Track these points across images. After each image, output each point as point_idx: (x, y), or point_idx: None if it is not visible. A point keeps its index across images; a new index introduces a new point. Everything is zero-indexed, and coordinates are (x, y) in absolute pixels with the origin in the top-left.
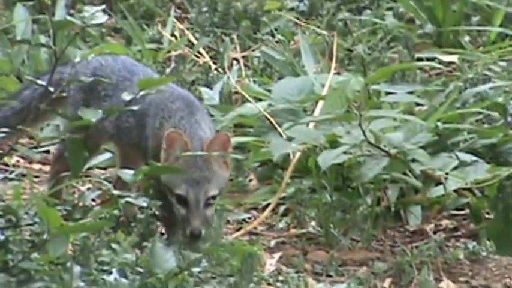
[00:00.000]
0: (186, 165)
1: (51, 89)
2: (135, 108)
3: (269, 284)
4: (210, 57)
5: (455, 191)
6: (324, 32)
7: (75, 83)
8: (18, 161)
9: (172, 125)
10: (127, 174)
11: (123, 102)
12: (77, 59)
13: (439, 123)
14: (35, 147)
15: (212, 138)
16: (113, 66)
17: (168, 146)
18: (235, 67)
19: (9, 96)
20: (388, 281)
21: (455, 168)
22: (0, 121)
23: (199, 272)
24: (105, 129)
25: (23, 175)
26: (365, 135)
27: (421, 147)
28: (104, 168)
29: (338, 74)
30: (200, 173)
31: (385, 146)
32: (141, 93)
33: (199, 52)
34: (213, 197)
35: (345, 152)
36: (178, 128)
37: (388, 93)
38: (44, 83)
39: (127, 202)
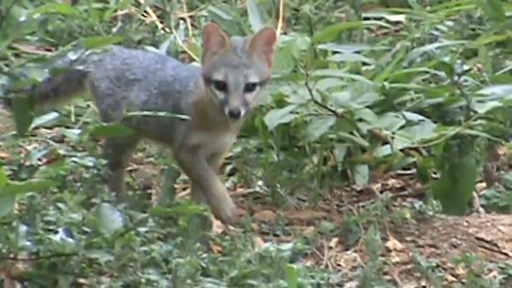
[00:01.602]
0: (226, 54)
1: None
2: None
3: (216, 243)
4: (157, 17)
5: (401, 150)
6: None
7: (101, 73)
8: None
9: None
10: (73, 133)
11: (153, 81)
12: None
13: (385, 83)
14: None
15: (256, 34)
16: (145, 56)
17: (206, 41)
18: (182, 26)
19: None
20: (334, 240)
21: (401, 127)
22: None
23: (146, 232)
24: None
25: None
26: (312, 95)
27: (368, 107)
28: (51, 128)
29: (285, 33)
30: (240, 60)
31: (331, 105)
32: (87, 52)
33: (145, 11)
34: (253, 85)
35: (291, 112)
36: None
37: (334, 53)
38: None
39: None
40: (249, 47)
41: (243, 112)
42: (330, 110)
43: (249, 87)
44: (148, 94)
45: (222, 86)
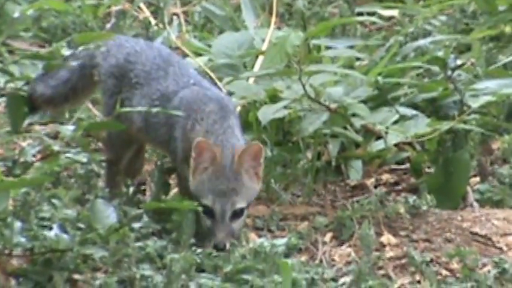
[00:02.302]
0: (215, 175)
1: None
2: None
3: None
4: (151, 13)
5: (395, 145)
6: None
7: (106, 69)
8: None
9: (204, 129)
10: (67, 129)
11: (155, 92)
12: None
13: (379, 78)
14: None
15: (244, 148)
16: (148, 53)
17: (197, 155)
18: (175, 22)
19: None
20: (328, 235)
21: (395, 122)
22: (48, 91)
23: (140, 228)
24: (133, 120)
25: None
26: (305, 90)
27: (362, 102)
28: (45, 124)
29: (278, 28)
30: (228, 184)
31: (325, 100)
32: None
33: (139, 7)
34: (241, 210)
35: (285, 107)
36: (211, 133)
37: (328, 48)
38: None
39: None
40: (237, 165)
41: (228, 245)
42: (323, 105)
43: (237, 214)
44: (150, 103)
45: (209, 211)
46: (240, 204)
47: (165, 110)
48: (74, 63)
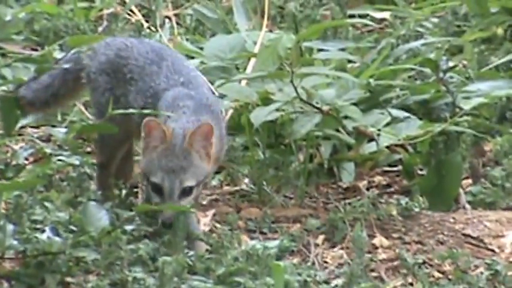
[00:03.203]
0: (164, 153)
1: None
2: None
3: (203, 241)
4: (143, 15)
5: (387, 147)
6: None
7: (96, 66)
8: None
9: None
10: (59, 132)
11: (149, 89)
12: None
13: (371, 80)
14: None
15: (195, 128)
16: (140, 47)
17: (147, 134)
18: (167, 25)
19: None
20: (321, 237)
21: (387, 124)
22: (29, 95)
23: (133, 230)
24: (131, 116)
25: None
26: (297, 92)
27: (354, 104)
28: (37, 127)
29: (270, 31)
30: (177, 162)
31: (317, 102)
32: (73, 51)
33: (131, 10)
34: (190, 188)
35: (277, 109)
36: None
37: (320, 50)
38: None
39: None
40: (187, 144)
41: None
42: (315, 107)
43: (186, 192)
44: (145, 100)
45: (158, 189)
46: (189, 183)
47: (156, 112)
48: (57, 69)
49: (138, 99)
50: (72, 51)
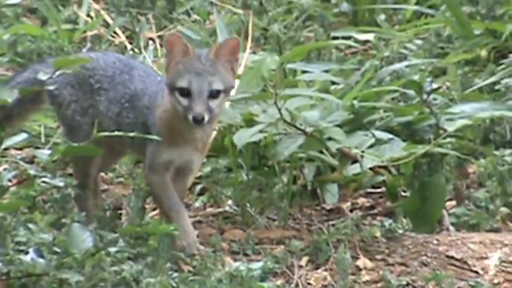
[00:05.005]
0: (190, 62)
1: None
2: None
3: (186, 263)
4: (126, 37)
5: (371, 169)
6: (239, 11)
7: (60, 80)
8: None
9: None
10: (43, 154)
11: (124, 96)
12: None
13: (355, 102)
14: None
15: (221, 43)
16: (106, 58)
17: (169, 51)
18: (151, 47)
19: None
20: (304, 259)
21: (371, 146)
22: None
23: (116, 252)
24: (104, 126)
25: None
26: (281, 114)
27: (337, 126)
28: (20, 149)
29: (254, 53)
30: (203, 67)
31: (301, 124)
32: (58, 72)
33: (115, 32)
34: (217, 91)
35: (261, 131)
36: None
37: (304, 72)
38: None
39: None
40: (213, 55)
41: (206, 118)
42: (299, 129)
43: (213, 94)
44: (121, 107)
45: (186, 92)
46: (217, 86)
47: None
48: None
49: (111, 107)
50: (29, 71)
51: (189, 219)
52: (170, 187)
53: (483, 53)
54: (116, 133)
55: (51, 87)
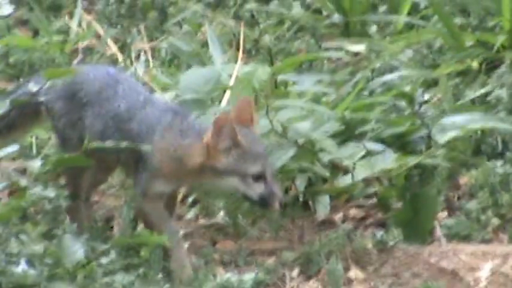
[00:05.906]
0: (250, 144)
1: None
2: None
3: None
4: (118, 48)
5: (363, 180)
6: (231, 22)
7: (52, 94)
8: None
9: (174, 132)
10: (35, 165)
11: (108, 112)
12: None
13: (346, 113)
14: None
15: (240, 109)
16: (95, 72)
17: (216, 133)
18: (142, 58)
19: None
20: (296, 270)
21: (363, 157)
22: None
23: (108, 263)
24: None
25: None
26: (272, 125)
27: (329, 137)
28: (13, 160)
29: (245, 64)
30: (263, 146)
31: (292, 135)
32: (48, 83)
33: (106, 43)
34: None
35: None
36: (183, 131)
37: (295, 83)
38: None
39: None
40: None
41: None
42: (290, 140)
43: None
44: (104, 124)
45: (259, 177)
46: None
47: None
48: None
49: (96, 123)
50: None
51: (185, 247)
52: (166, 214)
53: (474, 64)
54: (104, 146)
55: (42, 99)
